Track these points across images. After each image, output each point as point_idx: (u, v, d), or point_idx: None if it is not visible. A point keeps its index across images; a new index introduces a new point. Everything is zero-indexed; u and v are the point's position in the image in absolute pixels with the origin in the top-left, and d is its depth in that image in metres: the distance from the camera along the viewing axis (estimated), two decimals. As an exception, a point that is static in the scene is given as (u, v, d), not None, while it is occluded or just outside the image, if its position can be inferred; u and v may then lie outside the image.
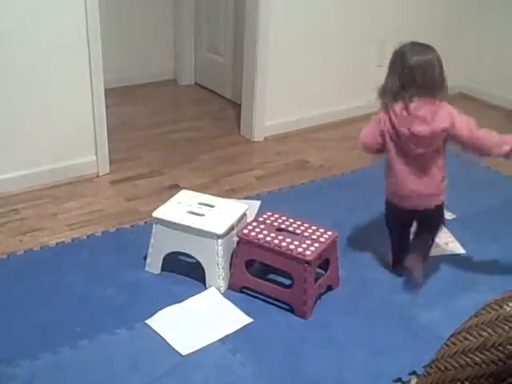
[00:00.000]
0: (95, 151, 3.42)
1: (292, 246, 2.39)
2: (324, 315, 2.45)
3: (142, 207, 3.15)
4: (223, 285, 2.55)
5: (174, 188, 3.30)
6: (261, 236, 2.46)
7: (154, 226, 2.59)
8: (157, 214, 2.58)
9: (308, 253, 2.36)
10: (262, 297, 2.53)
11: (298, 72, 4.03)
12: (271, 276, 2.63)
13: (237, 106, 4.36)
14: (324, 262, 2.51)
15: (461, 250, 2.90)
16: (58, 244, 2.83)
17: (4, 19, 2.92)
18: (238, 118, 4.19)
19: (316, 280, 2.45)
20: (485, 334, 0.97)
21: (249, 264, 2.55)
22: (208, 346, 2.26)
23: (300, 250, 2.38)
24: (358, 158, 3.79)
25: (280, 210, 2.70)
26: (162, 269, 2.64)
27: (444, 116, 2.43)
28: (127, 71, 4.75)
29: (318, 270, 2.51)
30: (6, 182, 3.20)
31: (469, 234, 3.03)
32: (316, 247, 2.41)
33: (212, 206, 2.63)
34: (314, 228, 2.54)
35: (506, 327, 0.95)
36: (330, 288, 2.59)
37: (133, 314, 2.40)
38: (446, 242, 2.96)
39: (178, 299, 2.49)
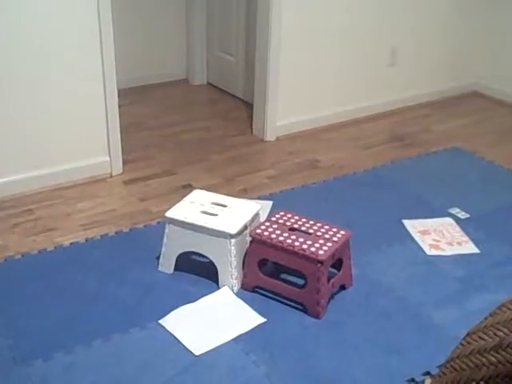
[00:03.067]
0: (108, 152, 3.43)
1: (305, 246, 2.39)
2: (337, 315, 2.45)
3: (155, 207, 3.16)
4: (236, 284, 2.55)
5: (187, 188, 3.31)
6: (274, 236, 2.46)
7: (167, 225, 2.60)
8: (170, 213, 2.58)
9: (321, 252, 2.36)
10: (274, 296, 2.53)
11: (309, 72, 4.02)
12: (284, 276, 2.63)
13: (249, 106, 4.36)
14: (337, 261, 2.51)
15: (474, 250, 2.89)
16: (71, 244, 2.85)
17: (18, 22, 2.94)
18: (250, 117, 4.19)
19: (329, 279, 2.45)
20: (500, 333, 0.97)
21: (262, 264, 2.55)
22: (221, 345, 2.27)
23: (313, 249, 2.37)
24: (369, 158, 3.79)
25: (292, 209, 2.70)
26: (175, 269, 2.65)
27: None
28: (139, 71, 4.76)
29: (331, 270, 2.50)
30: (19, 183, 3.22)
31: (482, 233, 3.01)
32: (329, 247, 2.40)
33: (225, 206, 2.63)
34: (326, 227, 2.54)
35: (522, 327, 0.95)
36: (343, 287, 2.59)
37: (146, 314, 2.41)
38: (460, 241, 2.94)
39: (191, 299, 2.49)
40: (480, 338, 1.00)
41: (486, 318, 1.03)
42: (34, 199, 3.21)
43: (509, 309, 1.00)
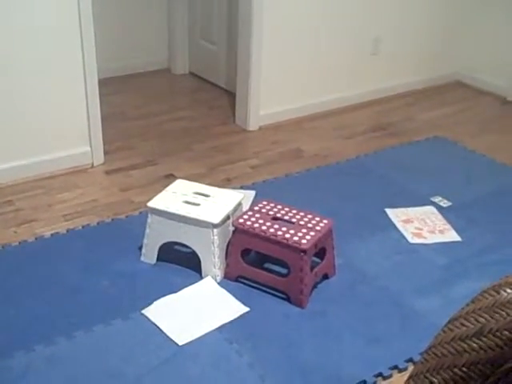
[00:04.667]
0: (89, 142, 3.40)
1: (288, 235, 2.39)
2: (320, 304, 2.45)
3: (137, 197, 3.14)
4: (219, 274, 2.54)
5: (169, 178, 3.29)
6: (256, 225, 2.45)
7: (149, 216, 2.58)
8: (152, 203, 2.56)
9: (304, 241, 2.36)
10: (257, 286, 2.52)
11: (292, 61, 4.01)
12: (267, 265, 2.63)
13: (231, 95, 4.34)
14: (320, 250, 2.50)
15: (456, 238, 2.90)
16: (52, 235, 2.82)
17: (-5, 9, 2.90)
18: (232, 107, 4.17)
19: (312, 269, 2.45)
20: (482, 319, 0.97)
21: (244, 253, 2.54)
22: (204, 335, 2.26)
23: (296, 238, 2.37)
24: (352, 147, 3.79)
25: (275, 198, 2.69)
26: (158, 259, 2.63)
27: None
28: (121, 61, 4.72)
29: (314, 259, 2.50)
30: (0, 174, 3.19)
31: (464, 221, 3.03)
32: (312, 236, 2.40)
33: (207, 196, 2.62)
34: (309, 216, 2.54)
35: (504, 313, 0.95)
36: (326, 277, 2.59)
37: (128, 305, 2.40)
38: (442, 229, 2.96)
39: (174, 289, 2.48)
40: (462, 324, 1.00)
41: (467, 305, 1.03)
42: (14, 190, 3.17)
43: (490, 295, 1.00)
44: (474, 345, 0.96)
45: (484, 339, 0.95)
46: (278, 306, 2.44)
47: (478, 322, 0.97)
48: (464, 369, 0.97)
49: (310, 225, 2.48)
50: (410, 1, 4.40)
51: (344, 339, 2.28)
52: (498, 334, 0.94)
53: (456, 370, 0.98)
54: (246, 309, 2.40)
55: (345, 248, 2.76)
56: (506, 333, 0.93)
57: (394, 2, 4.32)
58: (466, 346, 0.97)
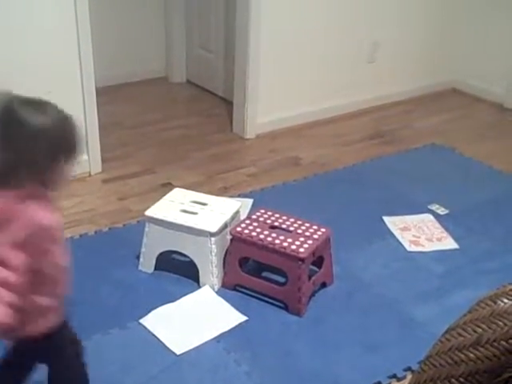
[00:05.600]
0: (87, 150, 3.39)
1: (285, 244, 2.39)
2: (318, 312, 2.45)
3: (135, 206, 3.14)
4: (217, 283, 2.54)
5: (167, 186, 3.28)
6: (254, 234, 2.45)
7: (147, 224, 2.58)
8: (149, 212, 2.56)
9: (302, 250, 2.36)
10: (255, 295, 2.52)
11: (289, 69, 4.02)
12: (265, 274, 2.62)
13: (229, 104, 4.34)
14: (318, 259, 2.50)
15: (454, 246, 2.90)
16: (50, 244, 2.82)
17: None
18: (229, 115, 4.17)
19: (310, 277, 2.44)
20: (479, 330, 0.97)
21: (242, 262, 2.54)
22: (202, 344, 2.26)
23: (294, 247, 2.37)
24: (350, 154, 3.80)
25: (273, 207, 2.69)
26: (156, 268, 2.63)
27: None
28: (118, 69, 4.72)
29: (312, 267, 2.50)
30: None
31: (462, 229, 3.03)
32: (309, 244, 2.40)
33: (205, 204, 2.62)
34: (307, 225, 2.54)
35: (501, 323, 0.95)
36: (324, 285, 2.59)
37: (126, 314, 2.39)
38: (439, 237, 2.96)
39: (172, 298, 2.48)
40: (459, 334, 1.00)
41: (465, 315, 1.03)
42: (11, 199, 3.16)
43: (487, 305, 1.00)
44: (472, 355, 0.96)
45: (481, 349, 0.95)
46: (276, 314, 2.43)
47: (475, 332, 0.97)
48: (461, 379, 0.97)
49: (307, 233, 2.48)
50: (406, 8, 4.41)
51: (342, 348, 2.28)
52: (495, 344, 0.94)
53: (453, 380, 0.98)
54: (244, 318, 2.40)
55: (342, 256, 2.76)
56: (504, 343, 0.93)
57: (390, 10, 4.33)
58: (463, 356, 0.97)
